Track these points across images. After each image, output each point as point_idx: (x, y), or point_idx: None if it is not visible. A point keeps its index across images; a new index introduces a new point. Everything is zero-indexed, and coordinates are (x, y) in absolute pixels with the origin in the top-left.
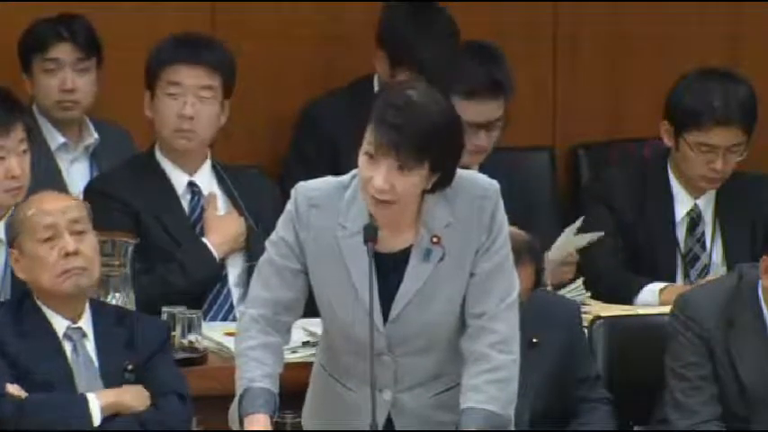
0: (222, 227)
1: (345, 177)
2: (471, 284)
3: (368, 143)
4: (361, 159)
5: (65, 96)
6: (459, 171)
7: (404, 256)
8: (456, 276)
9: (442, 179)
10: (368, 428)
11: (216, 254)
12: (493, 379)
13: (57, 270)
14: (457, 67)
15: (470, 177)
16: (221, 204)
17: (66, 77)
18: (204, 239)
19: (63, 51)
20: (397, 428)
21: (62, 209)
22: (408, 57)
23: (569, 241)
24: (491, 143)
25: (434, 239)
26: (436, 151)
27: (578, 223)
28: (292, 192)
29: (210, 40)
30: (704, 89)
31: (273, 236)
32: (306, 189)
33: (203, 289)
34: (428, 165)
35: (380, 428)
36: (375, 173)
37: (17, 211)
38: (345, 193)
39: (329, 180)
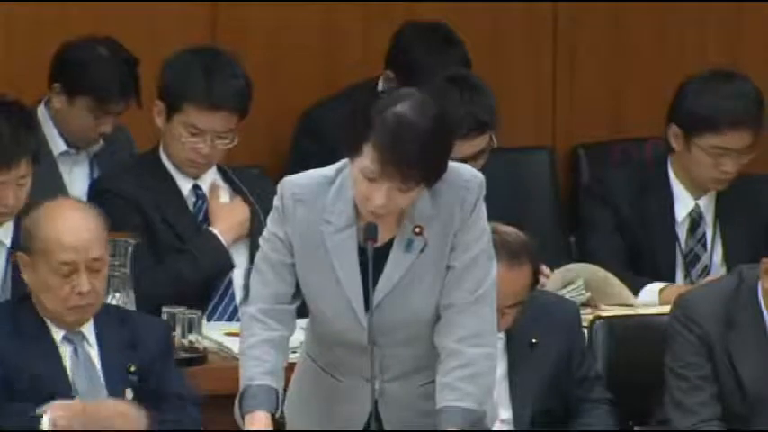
0: (227, 214)
1: (330, 171)
2: (447, 277)
3: (368, 169)
4: (359, 178)
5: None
6: None
7: (387, 248)
8: (437, 266)
9: (435, 181)
10: (359, 415)
11: (224, 241)
12: (465, 375)
13: (66, 304)
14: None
15: (455, 168)
16: (225, 196)
17: (108, 123)
18: (211, 228)
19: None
20: (383, 417)
21: (84, 245)
22: (417, 82)
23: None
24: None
25: (416, 230)
26: (435, 167)
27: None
28: (279, 187)
29: (232, 69)
30: (716, 92)
31: (265, 232)
32: (291, 184)
33: (214, 278)
34: (427, 178)
35: (368, 416)
36: (375, 193)
37: (34, 219)
38: (331, 188)
39: (314, 174)
